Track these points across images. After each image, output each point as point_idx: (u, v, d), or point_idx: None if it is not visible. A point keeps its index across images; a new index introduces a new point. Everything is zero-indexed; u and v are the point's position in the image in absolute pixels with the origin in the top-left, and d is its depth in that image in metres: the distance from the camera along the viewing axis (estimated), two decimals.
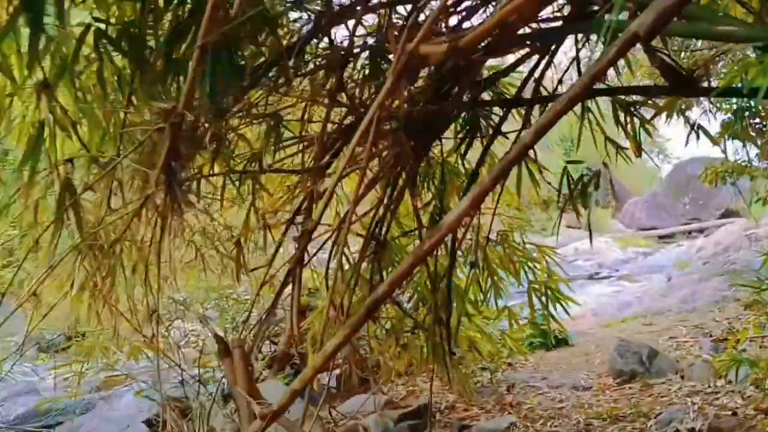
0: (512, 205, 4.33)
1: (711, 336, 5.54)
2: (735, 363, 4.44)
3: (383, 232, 3.22)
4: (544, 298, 3.82)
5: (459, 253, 3.64)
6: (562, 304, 3.85)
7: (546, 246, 4.16)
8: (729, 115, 7.66)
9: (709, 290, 7.53)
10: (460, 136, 3.01)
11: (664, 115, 2.84)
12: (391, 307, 4.51)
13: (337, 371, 5.93)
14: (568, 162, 3.17)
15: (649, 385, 4.57)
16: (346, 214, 3.12)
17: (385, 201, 2.92)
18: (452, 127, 3.13)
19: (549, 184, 3.52)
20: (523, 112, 2.81)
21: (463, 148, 3.13)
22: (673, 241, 18.56)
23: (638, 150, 2.68)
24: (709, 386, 4.28)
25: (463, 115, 2.90)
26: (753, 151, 7.55)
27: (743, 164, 7.39)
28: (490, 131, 2.87)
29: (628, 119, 2.60)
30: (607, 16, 1.52)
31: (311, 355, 3.57)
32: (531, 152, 2.90)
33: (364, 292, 3.23)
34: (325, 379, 5.99)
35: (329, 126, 2.67)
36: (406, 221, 3.94)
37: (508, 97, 2.95)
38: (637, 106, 2.57)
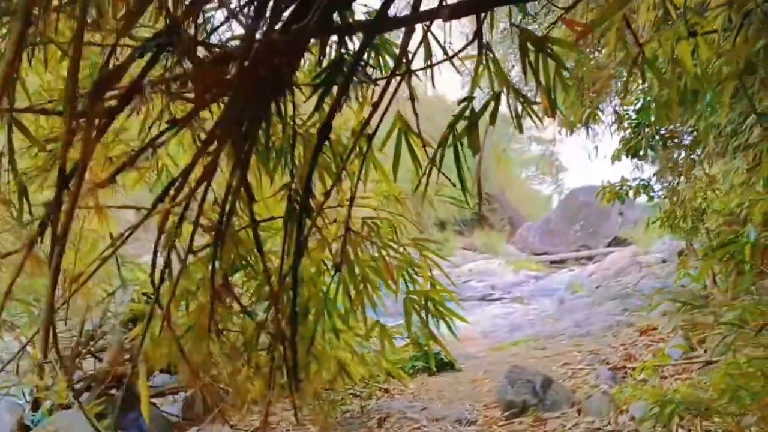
0: (390, 196, 3.56)
1: (608, 363, 5.01)
2: (637, 398, 3.89)
3: (225, 220, 2.34)
4: (424, 313, 3.05)
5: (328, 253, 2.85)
6: (446, 321, 3.10)
7: (430, 242, 3.39)
8: (629, 131, 7.42)
9: (602, 314, 7.13)
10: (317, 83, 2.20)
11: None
12: (243, 319, 3.63)
13: (183, 395, 4.95)
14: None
15: (543, 420, 3.91)
16: (165, 191, 2.23)
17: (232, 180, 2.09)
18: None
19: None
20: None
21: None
22: (564, 266, 18.70)
23: (552, 109, 1.96)
24: (609, 423, 3.67)
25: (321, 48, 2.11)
26: (652, 169, 7.31)
27: (642, 183, 7.10)
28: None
29: (541, 61, 1.87)
30: None
31: (143, 374, 2.66)
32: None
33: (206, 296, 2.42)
34: (168, 406, 5.02)
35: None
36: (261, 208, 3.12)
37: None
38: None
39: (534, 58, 1.90)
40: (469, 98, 1.77)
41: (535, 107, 2.05)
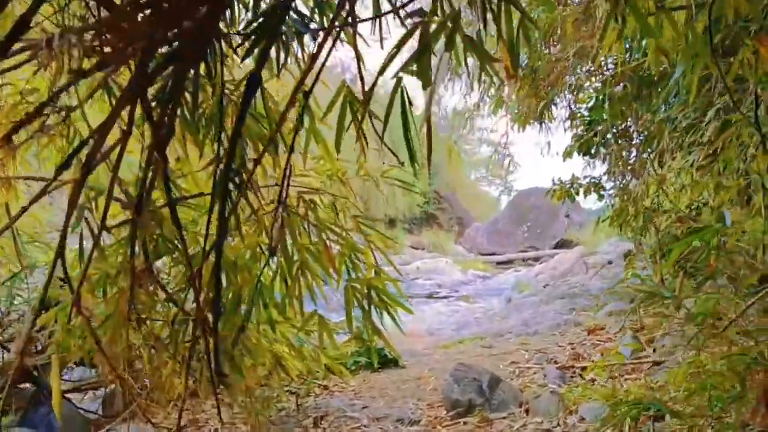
0: (333, 176, 3.29)
1: (556, 362, 4.85)
2: (587, 398, 3.72)
3: (144, 194, 2.01)
4: (366, 303, 2.78)
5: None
6: (390, 313, 2.84)
7: (376, 231, 3.14)
8: (582, 128, 7.34)
9: (550, 313, 7.01)
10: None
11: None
12: (168, 308, 3.31)
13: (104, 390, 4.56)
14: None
15: (489, 420, 3.70)
16: (71, 156, 1.89)
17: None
18: None
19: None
20: None
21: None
22: (511, 266, 18.77)
23: (514, 67, 1.72)
24: (558, 424, 3.48)
25: None
26: (603, 168, 7.23)
27: (593, 182, 7.02)
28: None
29: (503, 11, 1.62)
30: None
31: (55, 367, 2.30)
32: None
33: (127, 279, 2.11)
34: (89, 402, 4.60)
35: None
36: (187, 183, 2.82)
37: None
38: None
39: (496, 7, 1.66)
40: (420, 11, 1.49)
41: (497, 67, 1.81)
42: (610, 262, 9.92)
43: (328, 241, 2.78)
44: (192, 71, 1.84)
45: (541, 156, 7.24)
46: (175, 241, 2.57)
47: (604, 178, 7.09)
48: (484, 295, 12.42)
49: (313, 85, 1.92)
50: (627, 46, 5.37)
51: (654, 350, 4.60)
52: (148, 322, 2.79)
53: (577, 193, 7.18)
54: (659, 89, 4.81)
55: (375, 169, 3.49)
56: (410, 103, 1.72)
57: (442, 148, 31.84)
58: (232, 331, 2.84)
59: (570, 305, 7.28)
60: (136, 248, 2.10)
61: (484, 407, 3.81)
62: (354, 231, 3.23)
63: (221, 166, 2.38)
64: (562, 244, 19.53)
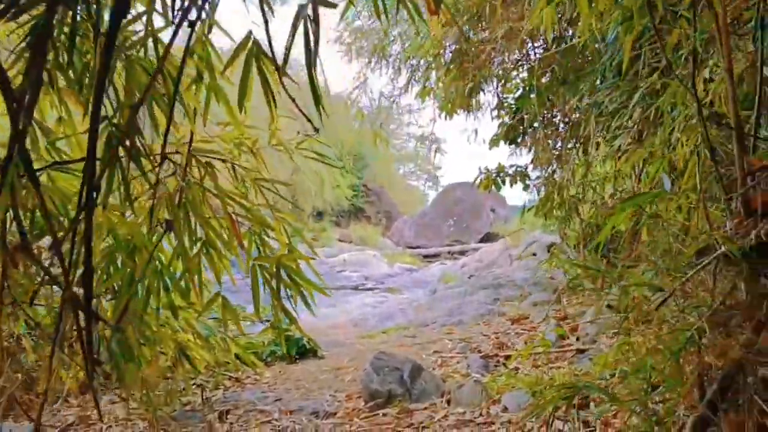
0: (243, 144, 2.98)
1: (479, 351, 4.70)
2: (510, 387, 3.57)
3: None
4: (275, 283, 2.50)
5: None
6: (304, 296, 2.57)
7: (286, 214, 2.85)
8: (508, 116, 7.27)
9: (474, 304, 6.90)
10: None
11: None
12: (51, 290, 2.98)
13: None
14: None
15: (409, 411, 3.48)
16: None
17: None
18: None
19: None
20: None
21: None
22: (438, 260, 18.81)
23: (435, 5, 1.48)
24: (481, 414, 3.30)
25: None
26: (530, 157, 7.16)
27: (519, 171, 6.95)
28: None
29: None
30: None
31: None
32: None
33: None
34: None
35: None
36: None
37: None
38: None
39: None
40: None
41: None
42: (534, 254, 9.97)
43: (234, 216, 2.49)
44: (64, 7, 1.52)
45: (468, 143, 7.11)
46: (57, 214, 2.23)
47: (530, 167, 7.06)
48: (411, 287, 12.30)
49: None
50: (555, 34, 5.31)
51: (577, 338, 4.51)
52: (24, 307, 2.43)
53: (504, 183, 7.11)
54: (587, 73, 4.74)
55: (290, 141, 3.19)
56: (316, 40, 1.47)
57: (375, 150, 31.69)
58: (132, 320, 2.52)
59: (494, 295, 7.20)
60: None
61: (405, 398, 3.59)
62: (264, 207, 2.95)
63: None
64: (487, 238, 19.72)
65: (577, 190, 6.01)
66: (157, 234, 2.48)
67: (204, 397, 3.73)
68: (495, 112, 7.10)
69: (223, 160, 2.72)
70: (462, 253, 19.36)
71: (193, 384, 3.99)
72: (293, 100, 2.34)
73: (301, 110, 2.63)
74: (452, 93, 6.69)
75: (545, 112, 5.80)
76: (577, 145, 5.13)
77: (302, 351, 4.98)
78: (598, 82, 4.59)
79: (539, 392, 3.23)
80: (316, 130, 3.02)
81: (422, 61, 6.50)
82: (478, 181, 7.23)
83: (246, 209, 2.56)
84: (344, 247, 21.94)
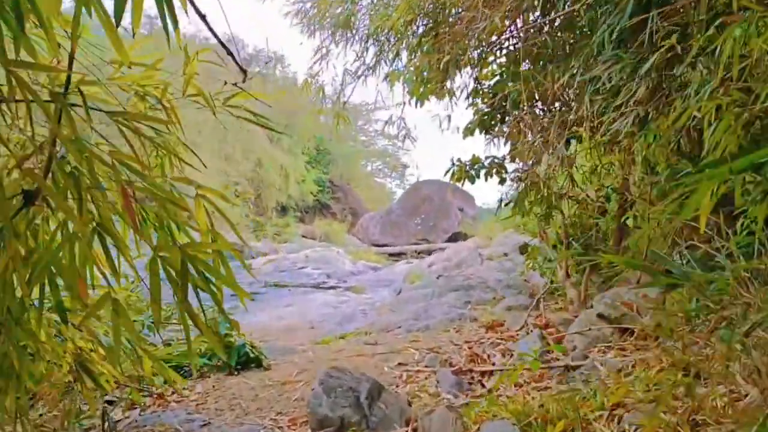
0: (149, 93, 2.25)
1: (451, 365, 4.01)
2: (491, 415, 2.88)
3: None
4: (181, 281, 1.77)
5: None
6: (215, 296, 1.87)
7: (209, 190, 2.11)
8: (485, 103, 6.62)
9: (443, 307, 6.22)
10: None
11: None
12: None
13: None
14: None
15: None
16: None
17: None
18: None
19: None
20: None
21: None
22: (404, 258, 18.18)
23: None
24: None
25: None
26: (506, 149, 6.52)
27: (495, 162, 6.30)
28: None
29: None
30: None
31: None
32: None
33: None
34: None
35: None
36: None
37: None
38: None
39: None
40: None
41: None
42: (505, 254, 9.37)
43: (127, 187, 1.76)
44: None
45: (440, 132, 6.41)
46: None
47: (507, 159, 6.43)
48: (375, 287, 11.62)
49: None
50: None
51: (566, 354, 3.86)
52: None
53: (477, 175, 6.45)
54: (581, 47, 4.09)
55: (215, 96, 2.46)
56: None
57: (342, 145, 30.89)
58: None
59: (465, 298, 6.54)
60: None
61: (361, 426, 2.88)
62: (185, 182, 2.23)
63: None
64: (455, 238, 19.14)
65: (560, 184, 5.38)
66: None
67: (108, 421, 2.96)
68: (470, 99, 6.47)
69: (122, 116, 1.96)
70: (429, 252, 18.74)
71: (107, 402, 3.23)
72: (203, 18, 1.65)
73: (223, 44, 1.96)
74: (424, 73, 6.02)
75: (527, 97, 5.15)
76: (564, 132, 4.47)
77: (244, 360, 4.23)
78: (593, 56, 3.95)
79: (529, 425, 2.55)
80: (244, 71, 2.31)
81: (392, 37, 5.79)
82: (450, 173, 6.57)
83: (146, 180, 1.82)
84: (307, 243, 21.14)
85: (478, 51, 5.53)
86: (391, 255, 18.92)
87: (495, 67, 6.08)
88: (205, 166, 2.50)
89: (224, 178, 19.88)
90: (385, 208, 23.07)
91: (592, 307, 5.07)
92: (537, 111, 5.73)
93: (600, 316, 3.85)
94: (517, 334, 4.69)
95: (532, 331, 4.57)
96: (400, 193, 30.17)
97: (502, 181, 6.48)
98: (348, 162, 30.27)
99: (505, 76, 5.99)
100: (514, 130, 5.05)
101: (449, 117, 6.36)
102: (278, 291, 10.58)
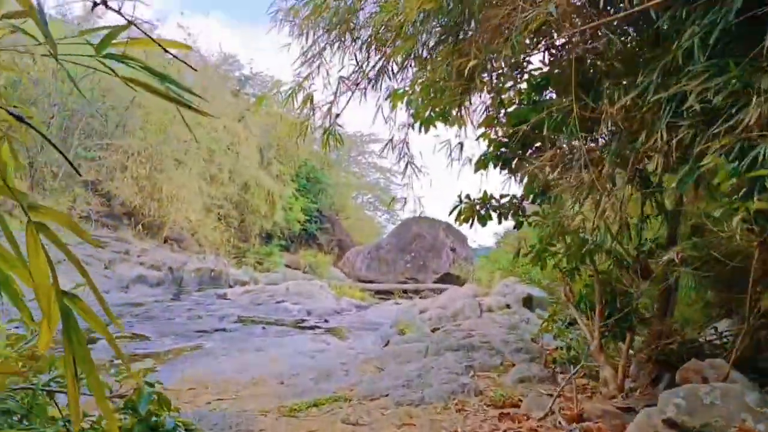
0: None
1: None
2: None
3: None
4: None
5: None
6: None
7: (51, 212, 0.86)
8: (502, 132, 5.61)
9: (441, 371, 5.09)
10: None
11: None
12: None
13: None
14: None
15: None
16: None
17: None
18: None
19: None
20: None
21: None
22: (390, 298, 17.05)
23: None
24: None
25: None
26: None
27: (513, 202, 5.27)
28: None
29: None
30: None
31: None
32: None
33: None
34: None
35: None
36: None
37: None
38: None
39: None
40: None
41: None
42: (508, 306, 8.27)
43: None
44: None
45: (449, 162, 5.35)
46: None
47: (527, 200, 5.40)
48: (359, 329, 10.46)
49: None
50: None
51: None
52: None
53: (489, 217, 5.40)
54: (652, 59, 3.08)
55: None
56: None
57: (334, 175, 29.87)
58: None
59: (466, 361, 5.42)
60: None
61: None
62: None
63: None
64: (445, 279, 18.05)
65: (593, 235, 4.31)
66: None
67: None
68: (482, 129, 5.47)
69: None
70: (417, 292, 17.62)
71: None
72: None
73: None
74: (432, 93, 5.01)
75: (572, 121, 4.12)
76: (627, 168, 3.42)
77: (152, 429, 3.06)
78: (673, 68, 2.93)
79: None
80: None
81: (399, 41, 4.75)
82: (456, 211, 5.52)
83: None
84: (289, 273, 19.95)
85: (511, 62, 4.51)
86: (377, 293, 17.77)
87: (525, 86, 5.09)
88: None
89: (207, 199, 18.74)
90: (374, 243, 21.96)
91: (634, 393, 3.97)
92: (576, 142, 4.74)
93: (670, 423, 2.75)
94: (540, 427, 3.57)
95: (560, 423, 3.46)
96: (390, 228, 29.12)
97: (519, 225, 5.43)
98: (338, 192, 29.26)
99: (534, 97, 5.02)
100: (547, 164, 3.99)
101: (461, 145, 5.33)
102: (251, 329, 9.38)
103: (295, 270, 22.03)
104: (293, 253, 24.07)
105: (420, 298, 16.16)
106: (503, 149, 5.24)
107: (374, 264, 19.43)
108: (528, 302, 8.21)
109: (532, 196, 5.10)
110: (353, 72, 4.87)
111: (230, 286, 15.96)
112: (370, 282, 18.59)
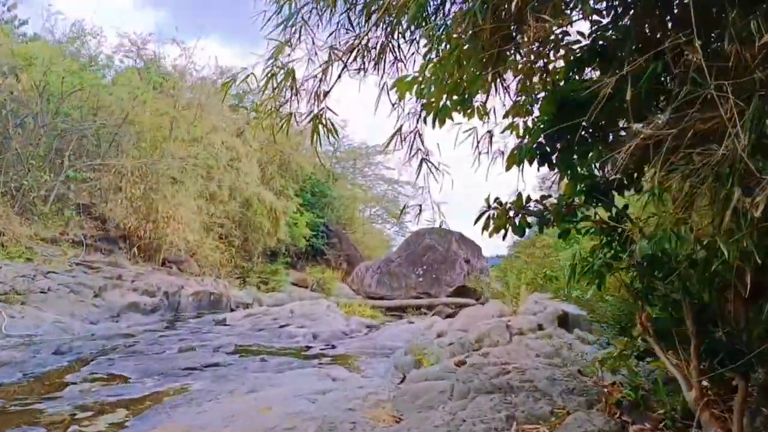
0: None
1: None
2: None
3: None
4: None
5: None
6: None
7: None
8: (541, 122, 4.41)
9: (476, 424, 3.89)
10: None
11: None
12: None
13: None
14: None
15: None
16: None
17: None
18: None
19: None
20: None
21: None
22: (403, 314, 15.83)
23: None
24: None
25: None
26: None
27: (561, 205, 4.07)
28: None
29: None
30: None
31: None
32: None
33: None
34: None
35: None
36: None
37: None
38: None
39: None
40: None
41: None
42: (540, 327, 7.03)
43: None
44: None
45: (475, 159, 4.17)
46: None
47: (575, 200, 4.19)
48: (370, 355, 9.26)
49: None
50: None
51: None
52: None
53: (528, 225, 4.18)
54: None
55: None
56: None
57: (339, 188, 28.78)
58: None
59: (505, 407, 4.20)
60: None
61: None
62: None
63: None
64: (460, 293, 16.80)
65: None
66: None
67: None
68: (509, 118, 4.29)
69: None
70: (430, 307, 16.38)
71: None
72: None
73: None
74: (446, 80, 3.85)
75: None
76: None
77: None
78: None
79: None
80: None
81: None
82: (484, 219, 4.30)
83: None
84: (296, 292, 18.76)
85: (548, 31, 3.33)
86: (388, 309, 16.56)
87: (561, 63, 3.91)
88: None
89: (207, 218, 17.60)
90: (383, 257, 20.72)
91: None
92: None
93: None
94: None
95: None
96: (399, 241, 27.91)
97: (565, 234, 4.22)
98: (345, 205, 28.11)
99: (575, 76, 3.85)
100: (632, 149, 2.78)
101: (490, 135, 4.15)
102: (248, 361, 8.18)
103: (302, 288, 20.84)
104: (300, 270, 22.89)
105: (434, 314, 14.94)
106: (542, 140, 4.04)
107: (384, 279, 18.20)
108: (564, 321, 6.97)
109: (584, 196, 3.89)
110: (347, 43, 3.69)
111: (232, 309, 14.78)
112: (381, 298, 17.38)
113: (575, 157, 3.94)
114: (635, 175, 3.84)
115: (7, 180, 14.23)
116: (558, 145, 3.95)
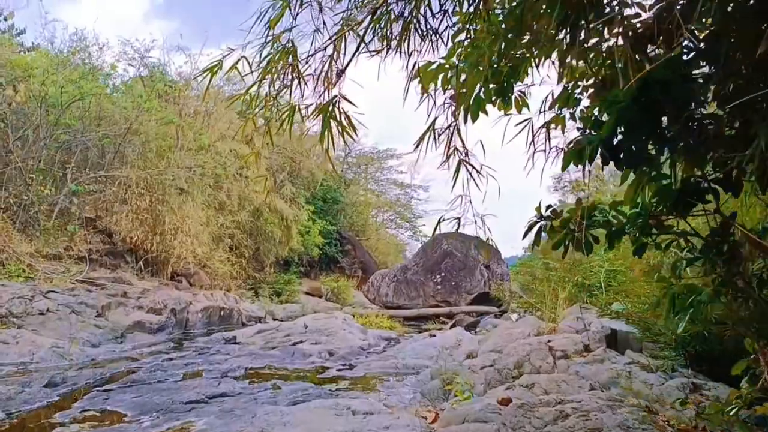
0: None
1: None
2: None
3: None
4: None
5: None
6: None
7: None
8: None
9: None
10: None
11: None
12: None
13: None
14: None
15: None
16: None
17: None
18: None
19: None
20: None
21: None
22: (422, 324, 14.95)
23: None
24: None
25: None
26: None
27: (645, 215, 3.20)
28: None
29: None
30: None
31: None
32: None
33: None
34: None
35: None
36: None
37: None
38: None
39: None
40: None
41: None
42: (586, 348, 6.11)
43: None
44: None
45: (529, 155, 3.30)
46: None
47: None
48: (391, 375, 8.38)
49: None
50: None
51: None
52: None
53: (596, 240, 3.29)
54: None
55: None
56: None
57: (352, 191, 27.93)
58: None
59: None
60: None
61: None
62: None
63: None
64: (480, 300, 15.88)
65: None
66: None
67: None
68: (555, 109, 3.42)
69: None
70: (450, 316, 15.48)
71: None
72: None
73: None
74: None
75: None
76: None
77: None
78: None
79: None
80: None
81: None
82: (535, 231, 3.43)
83: None
84: (309, 304, 17.92)
85: None
86: (406, 319, 15.67)
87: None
88: None
89: (216, 229, 16.81)
90: (400, 265, 19.80)
91: None
92: None
93: None
94: None
95: None
96: (414, 246, 27.01)
97: (641, 250, 3.33)
98: (358, 212, 27.26)
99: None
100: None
101: (547, 128, 3.27)
102: (258, 390, 7.33)
103: (317, 297, 20.02)
104: (314, 279, 22.07)
105: (454, 324, 14.07)
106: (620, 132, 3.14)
107: (401, 287, 17.31)
108: (612, 341, 6.06)
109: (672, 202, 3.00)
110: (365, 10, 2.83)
111: (243, 324, 13.95)
112: (398, 308, 16.50)
113: (657, 151, 3.08)
114: (734, 172, 2.94)
115: (7, 195, 13.52)
116: (637, 138, 3.05)
